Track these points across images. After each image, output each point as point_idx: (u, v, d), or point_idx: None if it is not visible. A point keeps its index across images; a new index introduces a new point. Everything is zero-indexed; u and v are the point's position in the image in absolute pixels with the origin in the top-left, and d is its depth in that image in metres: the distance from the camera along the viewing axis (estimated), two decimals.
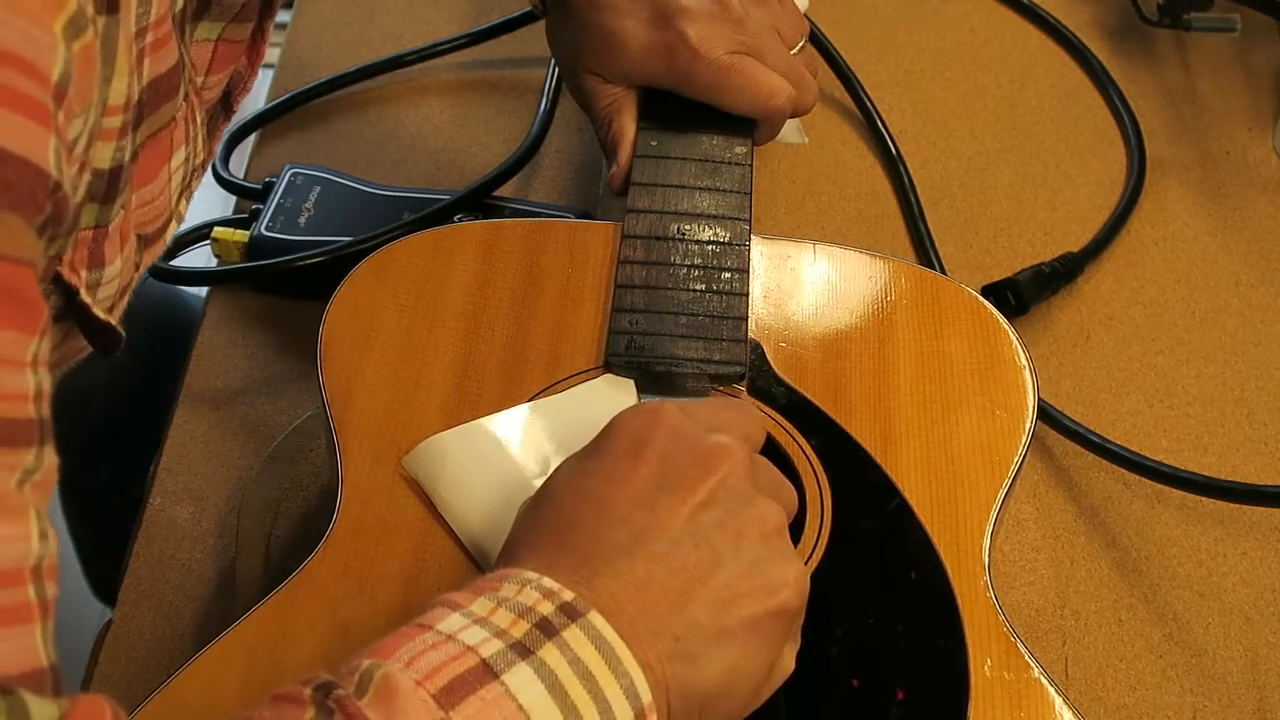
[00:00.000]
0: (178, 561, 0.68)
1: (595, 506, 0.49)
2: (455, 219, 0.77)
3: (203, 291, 0.81)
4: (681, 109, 0.70)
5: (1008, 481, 0.59)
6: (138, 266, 0.61)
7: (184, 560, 0.68)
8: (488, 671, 0.43)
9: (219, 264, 0.79)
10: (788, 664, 0.50)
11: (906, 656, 0.54)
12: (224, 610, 0.66)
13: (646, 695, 0.45)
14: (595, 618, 0.45)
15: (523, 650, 0.44)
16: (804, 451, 0.59)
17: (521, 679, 0.43)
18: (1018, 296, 0.78)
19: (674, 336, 0.62)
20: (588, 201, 0.82)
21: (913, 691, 0.52)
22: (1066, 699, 0.53)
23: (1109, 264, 0.82)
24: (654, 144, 0.69)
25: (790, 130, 0.76)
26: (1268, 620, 0.68)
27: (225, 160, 0.83)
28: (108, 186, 0.51)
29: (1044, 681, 0.53)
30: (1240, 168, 0.88)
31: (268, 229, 0.77)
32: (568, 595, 0.46)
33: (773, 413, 0.61)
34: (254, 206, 0.79)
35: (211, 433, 0.73)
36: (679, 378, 0.61)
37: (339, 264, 0.71)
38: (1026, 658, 0.54)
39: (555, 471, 0.52)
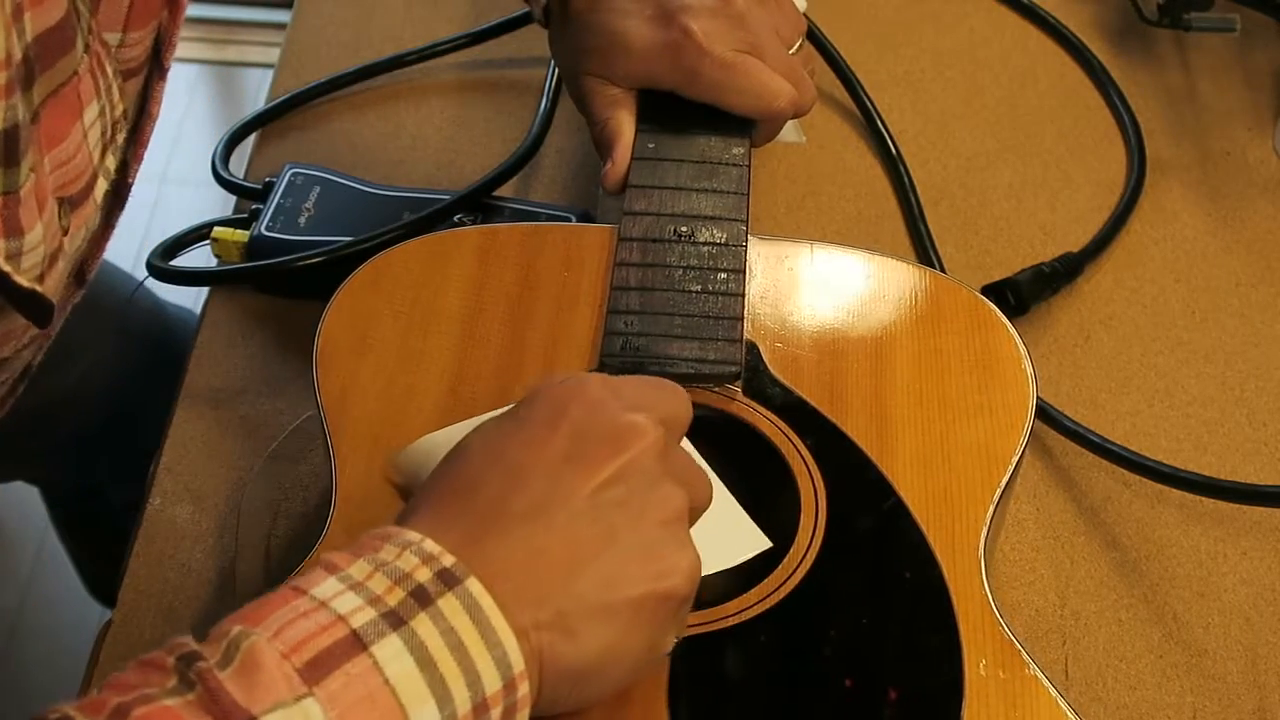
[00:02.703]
0: (178, 561, 0.68)
1: (502, 470, 0.49)
2: (455, 219, 0.77)
3: (203, 292, 0.81)
4: (679, 112, 0.70)
5: (1005, 478, 0.59)
6: (66, 231, 0.60)
7: (184, 560, 0.68)
8: (357, 643, 0.43)
9: (219, 264, 0.78)
10: (666, 646, 0.50)
11: (900, 656, 0.54)
12: (224, 610, 0.66)
13: (519, 664, 0.45)
14: (473, 584, 0.45)
15: (395, 620, 0.44)
16: (799, 451, 0.59)
17: (391, 651, 0.43)
18: (1018, 296, 0.78)
19: (669, 337, 0.62)
20: (588, 202, 0.82)
21: (906, 691, 0.52)
22: (1063, 696, 0.53)
23: (1109, 264, 0.82)
24: (651, 146, 0.69)
25: (789, 130, 0.76)
26: (1268, 620, 0.68)
27: (225, 160, 0.83)
28: (5, 149, 0.50)
29: (1040, 679, 0.53)
30: (1240, 168, 0.88)
31: (268, 229, 0.77)
32: (447, 560, 0.45)
33: (768, 413, 0.61)
34: (254, 206, 0.79)
35: (211, 433, 0.73)
36: (674, 378, 0.61)
37: (339, 264, 0.71)
38: (1023, 656, 0.53)
39: (473, 431, 0.52)
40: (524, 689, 0.45)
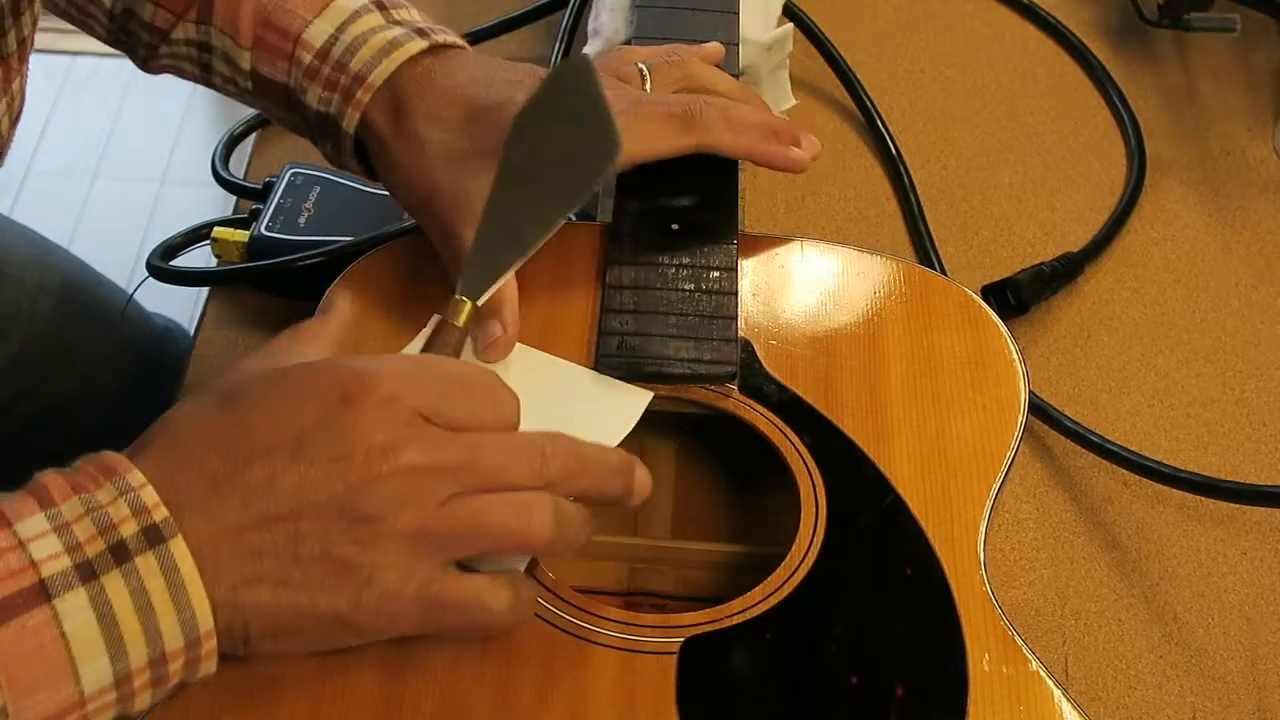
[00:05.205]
0: None
1: (265, 433, 0.47)
2: None
3: (202, 292, 0.81)
4: None
5: (1001, 474, 0.59)
6: None
7: None
8: (41, 594, 0.43)
9: (219, 264, 0.78)
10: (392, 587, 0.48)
11: (905, 653, 0.54)
12: None
13: (207, 624, 0.45)
14: (176, 545, 0.45)
15: (88, 573, 0.43)
16: (797, 449, 0.59)
17: (73, 605, 0.43)
18: (1018, 296, 0.78)
19: (664, 337, 0.62)
20: (588, 202, 0.82)
21: (912, 688, 0.52)
22: (1065, 691, 0.53)
23: (1109, 264, 0.82)
24: None
25: (780, 93, 0.75)
26: (1268, 620, 0.68)
27: (225, 160, 0.83)
28: None
29: (1042, 674, 0.53)
30: (1240, 168, 0.88)
31: (268, 229, 0.77)
32: (158, 515, 0.45)
33: (765, 411, 0.61)
34: (254, 206, 0.79)
35: None
36: (670, 378, 0.61)
37: (339, 264, 0.71)
38: (1024, 651, 0.53)
39: (259, 361, 0.50)
40: (209, 645, 0.45)
